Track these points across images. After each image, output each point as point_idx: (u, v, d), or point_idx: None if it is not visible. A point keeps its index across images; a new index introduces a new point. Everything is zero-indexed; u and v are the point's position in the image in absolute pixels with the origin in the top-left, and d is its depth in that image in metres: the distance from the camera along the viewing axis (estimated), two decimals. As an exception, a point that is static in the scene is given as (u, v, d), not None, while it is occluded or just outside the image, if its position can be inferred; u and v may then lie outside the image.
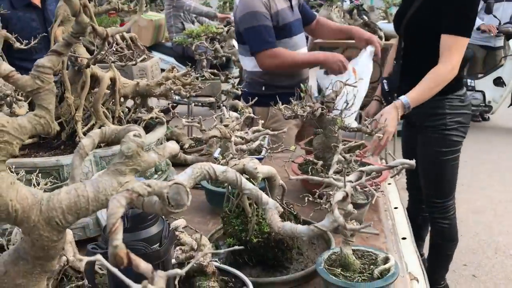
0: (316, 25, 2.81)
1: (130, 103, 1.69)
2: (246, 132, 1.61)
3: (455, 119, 2.29)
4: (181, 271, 0.39)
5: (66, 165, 1.29)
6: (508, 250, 3.36)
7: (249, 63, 2.62)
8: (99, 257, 0.38)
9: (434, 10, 2.14)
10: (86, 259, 0.43)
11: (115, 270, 0.36)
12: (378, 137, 1.90)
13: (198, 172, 0.59)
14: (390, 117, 2.02)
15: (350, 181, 0.78)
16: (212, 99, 4.32)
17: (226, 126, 1.24)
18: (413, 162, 0.82)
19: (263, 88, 2.53)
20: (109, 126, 1.47)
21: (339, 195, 0.73)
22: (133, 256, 0.41)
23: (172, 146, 0.64)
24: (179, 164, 1.94)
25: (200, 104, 4.90)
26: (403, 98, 2.10)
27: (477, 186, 4.33)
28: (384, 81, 2.53)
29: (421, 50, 2.25)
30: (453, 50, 2.09)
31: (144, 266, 0.39)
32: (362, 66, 2.47)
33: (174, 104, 5.89)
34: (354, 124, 1.77)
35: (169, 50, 5.74)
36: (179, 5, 5.81)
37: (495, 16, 5.58)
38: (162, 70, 4.48)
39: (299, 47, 2.59)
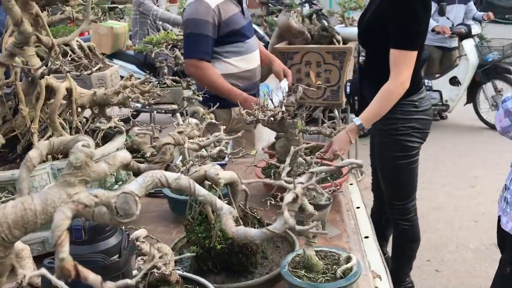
0: None
1: (88, 112, 1.66)
2: (208, 138, 1.61)
3: (408, 124, 2.29)
4: (131, 281, 0.38)
5: (22, 179, 1.26)
6: (468, 244, 3.46)
7: None
8: (43, 271, 0.38)
9: (383, 21, 2.16)
10: (36, 273, 0.42)
11: (61, 284, 0.36)
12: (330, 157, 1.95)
13: (149, 181, 0.59)
14: (341, 145, 2.04)
15: (301, 183, 0.79)
16: (174, 106, 4.29)
17: (180, 132, 1.23)
18: (360, 161, 0.84)
19: None
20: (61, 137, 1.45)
21: (289, 197, 0.74)
22: (81, 268, 0.41)
23: (123, 155, 0.63)
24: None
25: (162, 111, 4.87)
26: (356, 120, 2.13)
27: (437, 183, 4.45)
28: (348, 83, 2.60)
29: (376, 56, 2.29)
30: (401, 65, 2.11)
31: (92, 277, 0.38)
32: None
33: (135, 113, 5.82)
34: (314, 127, 1.80)
35: (130, 58, 5.68)
36: (146, 10, 5.76)
37: (448, 18, 5.76)
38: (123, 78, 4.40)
39: (253, 50, 2.59)
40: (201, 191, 0.68)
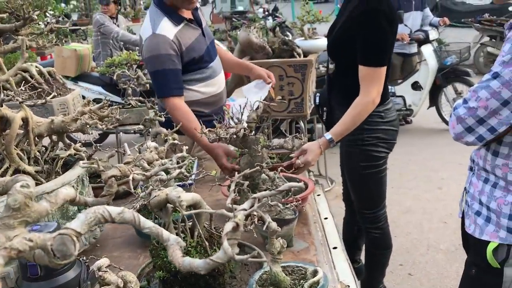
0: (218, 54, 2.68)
1: (47, 140, 1.64)
2: (171, 160, 1.60)
3: (374, 134, 2.32)
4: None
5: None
6: (438, 245, 3.53)
7: None
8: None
9: (351, 34, 2.18)
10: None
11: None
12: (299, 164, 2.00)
13: (91, 217, 0.58)
14: (312, 155, 2.05)
15: (244, 209, 0.80)
16: (141, 127, 4.26)
17: (127, 163, 1.22)
18: (301, 184, 0.86)
19: None
20: (24, 168, 1.42)
21: (228, 226, 0.74)
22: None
23: (66, 192, 0.62)
24: (117, 197, 1.89)
25: (132, 131, 4.82)
26: (327, 135, 2.14)
27: (405, 187, 4.54)
28: (317, 94, 2.63)
29: (344, 67, 2.32)
30: (370, 82, 2.13)
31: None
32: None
33: (98, 136, 5.75)
34: (276, 142, 1.82)
35: (96, 80, 5.62)
36: (106, 32, 5.72)
37: (406, 25, 5.91)
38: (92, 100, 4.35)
39: (217, 73, 2.49)
40: (146, 223, 0.68)
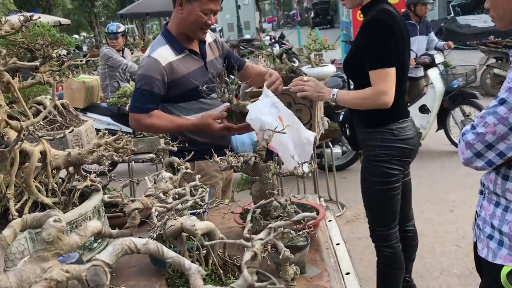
0: (245, 71, 2.78)
1: (64, 172, 1.68)
2: (184, 189, 1.64)
3: (386, 151, 2.39)
4: None
5: None
6: (452, 269, 3.50)
7: None
8: None
9: (360, 51, 2.32)
10: None
11: None
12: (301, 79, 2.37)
13: (119, 249, 0.62)
14: (315, 88, 2.36)
15: (261, 239, 0.83)
16: (152, 155, 4.32)
17: (149, 196, 1.26)
18: (314, 214, 0.89)
19: (187, 144, 2.31)
20: (42, 200, 1.46)
21: (247, 255, 0.77)
22: None
23: (94, 225, 0.66)
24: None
25: (141, 160, 4.88)
26: (334, 90, 2.36)
27: (416, 211, 4.47)
28: (342, 112, 2.77)
29: (361, 85, 2.39)
30: (379, 81, 2.24)
31: None
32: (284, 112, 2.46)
33: (111, 167, 5.80)
34: (287, 168, 1.84)
35: (104, 110, 5.72)
36: (115, 65, 5.85)
37: (412, 50, 5.98)
38: (98, 130, 4.45)
39: (218, 104, 2.52)
40: (169, 253, 0.71)
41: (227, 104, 2.30)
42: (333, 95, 2.34)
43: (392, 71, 2.25)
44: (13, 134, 1.38)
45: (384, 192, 2.45)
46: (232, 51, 2.88)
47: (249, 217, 1.08)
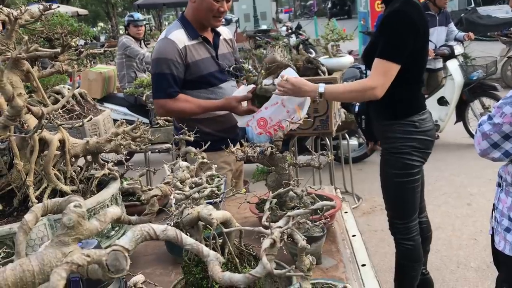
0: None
1: (82, 161, 1.70)
2: (201, 178, 1.64)
3: (408, 143, 2.37)
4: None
5: (20, 232, 1.28)
6: (469, 263, 3.47)
7: None
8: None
9: (378, 43, 2.28)
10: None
11: None
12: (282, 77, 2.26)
13: (138, 235, 0.62)
14: (297, 84, 2.26)
15: (279, 227, 0.82)
16: (168, 145, 4.35)
17: (167, 183, 1.26)
18: (333, 203, 0.88)
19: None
20: (61, 187, 1.48)
21: (266, 243, 0.77)
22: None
23: (113, 211, 0.66)
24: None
25: (157, 150, 4.91)
26: (321, 86, 2.28)
27: (434, 204, 4.48)
28: (357, 104, 2.74)
29: None
30: (378, 72, 2.22)
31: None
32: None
33: (128, 157, 5.85)
34: (303, 159, 1.84)
35: (121, 100, 5.75)
36: (132, 54, 5.87)
37: (431, 41, 5.89)
38: (115, 120, 4.48)
39: (225, 95, 2.54)
40: (187, 240, 0.72)
41: (253, 86, 2.33)
42: (320, 91, 2.26)
43: (395, 67, 2.22)
44: (32, 122, 1.40)
45: (405, 185, 2.43)
46: (240, 62, 2.84)
47: (267, 205, 1.08)
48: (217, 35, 2.62)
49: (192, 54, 2.45)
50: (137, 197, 1.94)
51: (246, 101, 2.45)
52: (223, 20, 2.62)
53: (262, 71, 2.28)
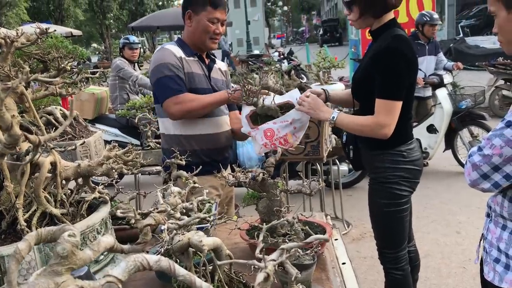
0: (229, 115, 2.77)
1: (73, 184, 1.69)
2: (191, 203, 1.64)
3: (396, 173, 2.37)
4: None
5: (8, 256, 1.27)
6: (458, 292, 3.46)
7: (168, 126, 2.58)
8: None
9: (370, 78, 2.28)
10: None
11: None
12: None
13: (132, 265, 0.62)
14: (314, 106, 2.29)
15: (273, 260, 0.83)
16: (159, 168, 4.33)
17: (161, 212, 1.26)
18: (326, 237, 0.89)
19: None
20: (51, 210, 1.47)
21: (260, 277, 0.77)
22: None
23: (107, 241, 0.66)
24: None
25: (147, 173, 4.89)
26: (335, 113, 2.31)
27: (423, 231, 4.48)
28: (344, 133, 2.72)
29: (368, 108, 2.36)
30: (383, 112, 2.22)
31: None
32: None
33: (118, 179, 5.81)
34: (294, 186, 1.85)
35: (113, 122, 5.75)
36: (126, 76, 5.89)
37: (420, 69, 5.99)
38: (106, 141, 4.46)
39: (215, 115, 2.57)
40: (180, 271, 0.71)
41: (252, 108, 2.34)
42: (333, 117, 2.31)
43: (399, 104, 2.24)
44: (25, 145, 1.39)
45: (394, 214, 2.42)
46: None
47: (261, 237, 1.08)
48: (212, 61, 2.67)
49: (189, 65, 2.50)
50: (127, 220, 1.93)
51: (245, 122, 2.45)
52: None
53: (261, 91, 2.29)
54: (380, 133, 2.24)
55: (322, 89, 2.63)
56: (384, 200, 2.42)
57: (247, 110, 2.42)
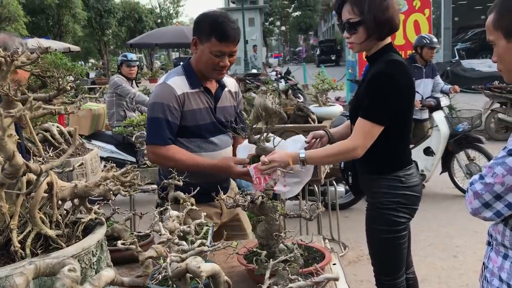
0: (234, 138, 2.62)
1: (69, 204, 1.66)
2: (189, 226, 1.61)
3: (394, 199, 2.32)
4: None
5: (0, 278, 1.23)
6: (456, 318, 3.42)
7: None
8: None
9: (363, 101, 2.26)
10: None
11: None
12: (264, 162, 2.20)
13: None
14: (280, 160, 2.21)
15: None
16: (154, 186, 4.29)
17: (162, 243, 1.24)
18: (337, 276, 0.87)
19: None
20: (46, 232, 1.43)
21: None
22: None
23: (107, 275, 0.64)
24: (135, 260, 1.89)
25: (141, 191, 4.84)
26: (301, 152, 2.26)
27: (420, 255, 4.45)
28: None
29: None
30: (360, 132, 2.21)
31: None
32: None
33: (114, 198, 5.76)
34: (293, 211, 1.82)
35: (109, 138, 5.74)
36: (123, 93, 5.89)
37: (417, 92, 6.02)
38: (102, 158, 4.42)
39: (218, 149, 2.48)
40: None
41: (252, 152, 2.31)
42: (301, 155, 2.24)
43: (378, 128, 2.21)
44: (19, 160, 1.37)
45: (392, 241, 2.37)
46: (242, 116, 2.74)
47: (267, 274, 1.05)
48: (221, 87, 2.54)
49: (190, 102, 2.39)
50: (122, 242, 1.89)
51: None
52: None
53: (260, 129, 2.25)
54: (352, 156, 2.24)
55: (324, 130, 2.59)
56: (381, 227, 2.37)
57: (247, 148, 2.40)
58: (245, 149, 2.44)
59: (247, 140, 2.40)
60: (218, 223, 2.57)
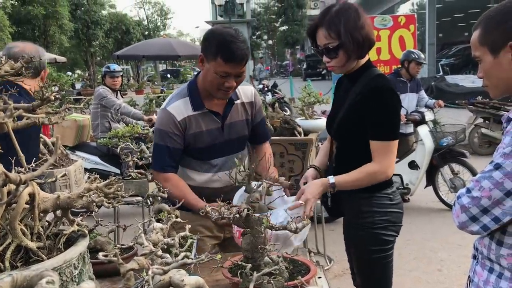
0: (258, 149, 2.62)
1: (51, 215, 1.63)
2: (173, 239, 1.59)
3: (384, 217, 2.28)
4: None
5: (-23, 292, 1.20)
6: (441, 332, 3.42)
7: None
8: None
9: (359, 117, 2.20)
10: None
11: None
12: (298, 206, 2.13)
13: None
14: (312, 192, 2.18)
15: None
16: (139, 198, 4.25)
17: (145, 255, 1.22)
18: None
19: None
20: (27, 244, 1.41)
21: None
22: None
23: (88, 287, 0.62)
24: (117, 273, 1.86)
25: (125, 203, 4.79)
26: (331, 178, 2.21)
27: (405, 268, 4.46)
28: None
29: (352, 152, 2.31)
30: (384, 154, 2.16)
31: None
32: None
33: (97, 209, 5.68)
34: (281, 219, 1.82)
35: (93, 150, 5.68)
36: (109, 105, 5.85)
37: (402, 106, 6.07)
38: (86, 169, 4.36)
39: (225, 168, 2.43)
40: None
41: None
42: (331, 184, 2.20)
43: (396, 143, 2.20)
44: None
45: (380, 261, 2.33)
46: (264, 123, 2.68)
47: (251, 287, 1.04)
48: (230, 102, 2.43)
49: (195, 124, 2.35)
50: (104, 254, 1.86)
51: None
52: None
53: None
54: (382, 177, 2.20)
55: (312, 167, 2.53)
56: (372, 247, 2.30)
57: (244, 196, 2.24)
58: (242, 197, 2.30)
59: (241, 190, 2.28)
60: (221, 236, 2.54)
